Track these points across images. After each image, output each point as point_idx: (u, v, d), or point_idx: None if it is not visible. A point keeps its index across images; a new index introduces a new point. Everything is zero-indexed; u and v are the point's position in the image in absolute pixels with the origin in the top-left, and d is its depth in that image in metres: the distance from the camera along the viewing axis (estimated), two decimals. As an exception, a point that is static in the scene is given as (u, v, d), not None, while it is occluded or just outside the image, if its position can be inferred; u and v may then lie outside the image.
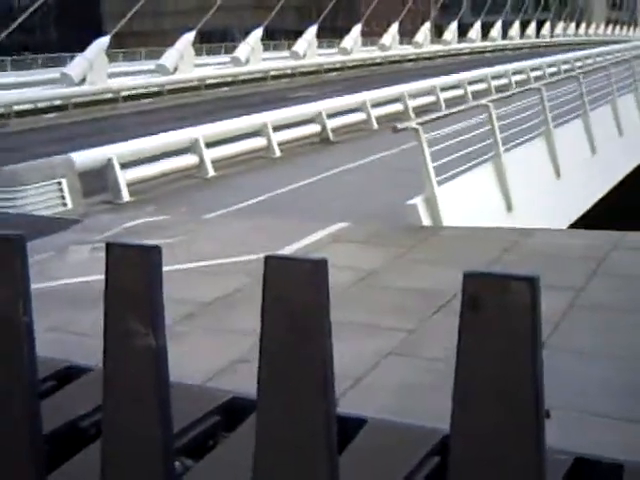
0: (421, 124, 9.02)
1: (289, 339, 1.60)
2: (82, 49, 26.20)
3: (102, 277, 5.82)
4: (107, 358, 1.89)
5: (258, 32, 34.75)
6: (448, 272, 6.43)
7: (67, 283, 6.65)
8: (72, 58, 37.73)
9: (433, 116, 10.23)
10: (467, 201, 9.66)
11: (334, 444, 1.63)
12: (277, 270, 1.60)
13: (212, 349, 5.00)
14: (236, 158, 14.36)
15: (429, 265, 7.01)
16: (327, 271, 1.54)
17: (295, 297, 1.57)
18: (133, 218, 9.49)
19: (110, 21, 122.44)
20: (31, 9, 24.70)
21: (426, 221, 8.58)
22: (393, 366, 4.66)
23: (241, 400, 3.04)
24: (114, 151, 11.77)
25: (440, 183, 8.89)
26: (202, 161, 13.25)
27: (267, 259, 1.61)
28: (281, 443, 1.68)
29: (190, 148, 13.33)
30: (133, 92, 26.61)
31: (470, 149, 10.11)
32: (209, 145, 13.55)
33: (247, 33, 36.90)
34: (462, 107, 11.49)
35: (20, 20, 24.34)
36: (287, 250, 7.33)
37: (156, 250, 1.77)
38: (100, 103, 24.67)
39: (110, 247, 1.85)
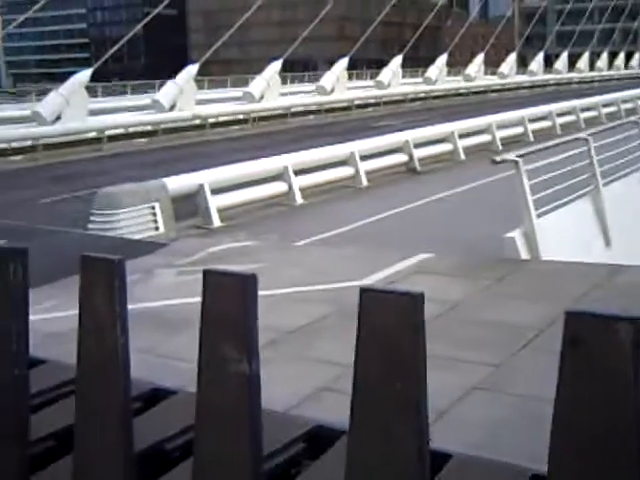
0: (521, 156, 8.88)
1: (384, 371, 1.59)
2: (169, 76, 26.83)
3: (186, 300, 5.92)
4: (201, 382, 1.92)
5: (343, 62, 34.99)
6: (535, 306, 6.31)
7: (152, 306, 6.75)
8: (161, 85, 38.77)
9: (532, 149, 10.01)
10: (564, 235, 9.43)
11: (426, 479, 1.61)
12: (373, 302, 1.60)
13: (296, 377, 5.01)
14: (323, 187, 14.43)
15: (515, 299, 6.88)
16: (423, 305, 1.54)
17: (391, 330, 1.56)
18: (219, 243, 9.61)
19: (196, 50, 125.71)
20: (123, 40, 25.43)
21: (524, 254, 8.42)
22: (478, 401, 4.58)
23: (325, 429, 3.04)
24: (206, 177, 11.99)
25: (538, 216, 8.74)
26: (291, 189, 13.37)
27: (362, 291, 1.62)
28: (371, 475, 1.67)
29: (279, 176, 13.46)
30: (220, 119, 27.05)
31: (567, 182, 9.90)
32: (297, 173, 13.68)
33: (329, 62, 37.23)
34: (561, 140, 11.23)
35: (113, 50, 25.08)
36: (370, 280, 7.31)
37: (252, 278, 1.80)
38: (188, 129, 25.16)
39: (207, 273, 1.88)
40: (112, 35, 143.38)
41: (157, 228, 10.79)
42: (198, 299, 6.53)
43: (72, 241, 9.34)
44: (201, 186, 11.70)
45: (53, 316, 6.18)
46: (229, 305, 1.82)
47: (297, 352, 5.59)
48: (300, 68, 31.04)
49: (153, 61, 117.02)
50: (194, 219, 11.85)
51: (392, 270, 7.82)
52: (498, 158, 9.04)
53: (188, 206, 11.82)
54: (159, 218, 10.85)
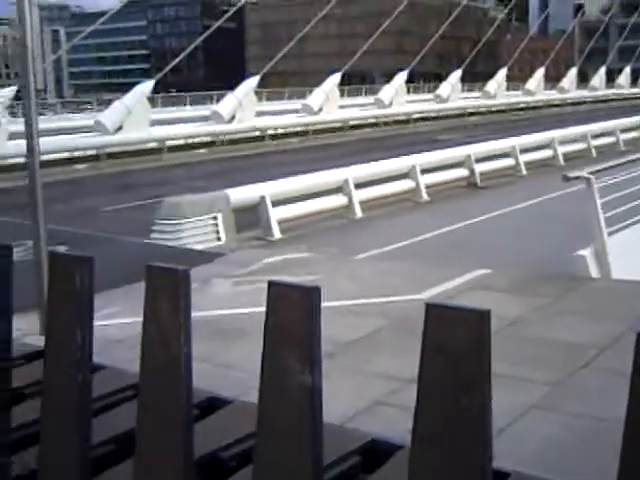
0: (593, 173, 8.73)
1: (448, 387, 1.59)
2: (226, 88, 27.04)
3: (242, 310, 5.96)
4: (263, 393, 1.93)
5: (402, 75, 34.94)
6: (597, 325, 6.19)
7: (209, 315, 6.81)
8: (219, 97, 39.18)
9: (604, 165, 9.80)
10: (636, 254, 9.22)
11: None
12: (438, 318, 1.60)
13: (352, 390, 5.00)
14: (383, 200, 14.39)
15: (577, 316, 6.76)
16: (490, 321, 1.53)
17: (456, 346, 1.56)
18: (276, 254, 9.66)
19: (253, 62, 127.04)
20: (186, 52, 25.77)
21: (594, 273, 8.27)
22: (536, 420, 4.52)
23: (381, 442, 3.04)
24: (267, 189, 12.06)
25: (610, 234, 8.58)
26: (351, 202, 13.37)
27: (428, 307, 1.61)
28: (432, 491, 1.66)
29: (339, 188, 13.47)
30: (279, 131, 27.22)
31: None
32: (358, 186, 13.65)
33: (386, 75, 37.22)
34: (635, 156, 10.96)
35: (176, 61, 25.42)
36: (426, 295, 7.27)
37: (316, 290, 1.81)
38: (247, 141, 25.35)
39: (272, 285, 1.89)
40: (171, 47, 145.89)
41: (219, 239, 10.87)
42: (254, 309, 6.57)
43: (130, 249, 9.47)
44: (262, 198, 11.76)
45: (112, 323, 6.28)
46: (293, 317, 1.83)
47: (352, 365, 5.58)
48: (357, 81, 31.07)
49: (211, 73, 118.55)
50: (254, 231, 11.91)
51: (448, 285, 7.77)
52: (570, 174, 8.87)
53: (248, 217, 11.90)
54: (221, 229, 10.93)
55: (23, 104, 6.12)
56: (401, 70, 36.34)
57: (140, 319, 6.34)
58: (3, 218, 11.88)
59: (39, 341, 5.30)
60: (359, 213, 13.41)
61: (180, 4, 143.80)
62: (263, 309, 6.31)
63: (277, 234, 11.73)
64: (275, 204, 11.98)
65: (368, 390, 4.86)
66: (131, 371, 4.50)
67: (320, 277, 8.21)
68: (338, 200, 13.50)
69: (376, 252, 10.35)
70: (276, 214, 11.92)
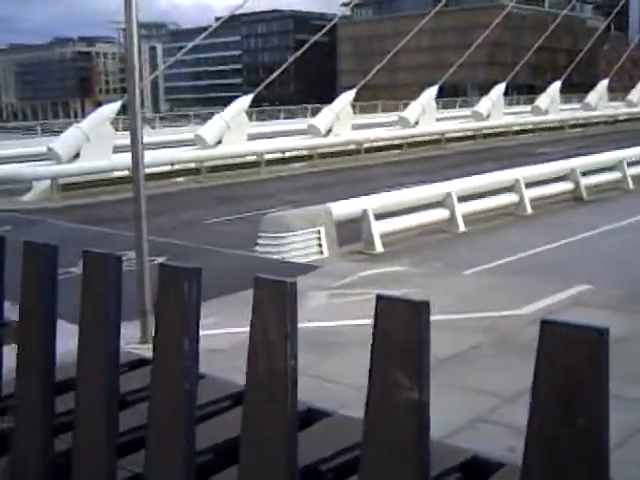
0: None
1: (563, 407, 1.55)
2: (317, 102, 27.15)
3: (338, 323, 5.98)
4: (369, 407, 1.93)
5: (500, 87, 34.49)
6: None
7: (304, 327, 6.81)
8: (314, 110, 39.44)
9: None
10: None
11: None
12: (554, 335, 1.56)
13: (451, 405, 4.94)
14: (486, 214, 14.15)
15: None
16: (608, 340, 1.49)
17: (573, 364, 1.52)
18: (371, 268, 9.64)
19: (344, 75, 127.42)
20: (284, 65, 26.01)
21: None
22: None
23: (482, 460, 2.99)
24: (370, 203, 12.03)
25: None
26: (453, 216, 13.21)
27: (543, 323, 1.58)
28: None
29: (441, 202, 13.33)
30: (375, 144, 27.20)
31: None
32: (459, 199, 13.47)
33: (479, 87, 36.75)
34: None
35: (275, 75, 25.67)
36: (525, 310, 7.16)
37: (425, 305, 1.79)
38: (344, 154, 25.41)
39: (379, 299, 1.89)
40: (264, 61, 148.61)
41: (321, 252, 10.88)
42: (349, 322, 6.61)
43: (225, 261, 9.61)
44: (365, 212, 11.72)
45: (212, 333, 6.38)
46: (401, 331, 1.82)
47: (451, 380, 5.52)
48: (449, 93, 30.76)
49: (302, 87, 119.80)
50: (356, 244, 11.87)
51: (549, 301, 7.62)
52: None
53: (347, 231, 11.86)
54: (324, 242, 10.94)
55: (128, 119, 6.31)
56: (496, 82, 35.90)
57: (235, 330, 6.43)
58: (103, 229, 12.26)
59: (140, 349, 5.46)
60: (462, 227, 13.22)
61: (273, 19, 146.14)
62: (358, 322, 6.30)
63: (379, 248, 11.66)
64: (377, 217, 11.90)
65: (468, 406, 4.80)
66: (229, 380, 4.58)
67: (416, 291, 8.15)
68: (440, 214, 13.33)
69: (481, 268, 10.13)
70: (378, 228, 11.84)
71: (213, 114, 24.80)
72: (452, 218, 13.30)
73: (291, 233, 10.73)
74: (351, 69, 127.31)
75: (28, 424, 3.39)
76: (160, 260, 7.87)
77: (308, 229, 10.96)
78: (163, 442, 2.69)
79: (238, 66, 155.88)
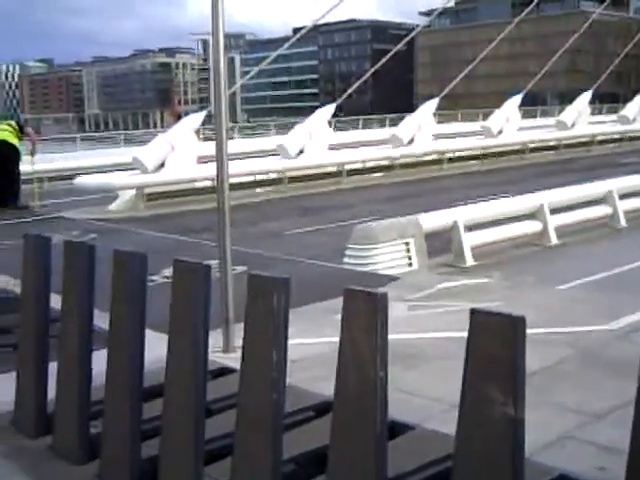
0: None
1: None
2: (393, 111, 26.84)
3: (418, 335, 5.87)
4: (462, 422, 1.90)
5: (586, 96, 33.67)
6: None
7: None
8: (392, 120, 39.25)
9: None
10: None
11: None
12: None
13: (538, 422, 4.82)
14: (578, 226, 13.75)
15: None
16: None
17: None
18: (451, 280, 9.49)
19: (421, 84, 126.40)
20: (366, 75, 26.01)
21: None
22: None
23: (569, 478, 2.92)
24: (460, 214, 11.83)
25: None
26: (545, 228, 12.92)
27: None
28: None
29: (532, 214, 13.05)
30: (456, 154, 26.91)
31: None
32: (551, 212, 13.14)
33: (559, 96, 36.02)
34: None
35: (357, 84, 25.61)
36: (611, 326, 6.95)
37: (522, 320, 1.76)
38: (426, 164, 25.19)
39: (474, 313, 1.86)
40: (341, 71, 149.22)
41: (410, 264, 10.71)
42: (429, 335, 6.49)
43: (306, 271, 9.60)
44: (455, 223, 11.53)
45: (292, 343, 6.38)
46: (496, 346, 1.78)
47: (537, 396, 5.38)
48: (528, 102, 30.46)
49: (378, 96, 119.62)
50: (445, 256, 11.65)
51: (636, 317, 7.37)
52: None
53: (436, 242, 11.61)
54: (413, 255, 10.77)
55: (210, 129, 6.41)
56: (577, 91, 35.15)
57: (312, 340, 6.39)
58: (185, 238, 12.40)
59: (222, 358, 5.51)
60: (554, 240, 12.88)
61: (351, 29, 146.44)
62: (439, 334, 6.21)
63: (470, 260, 11.41)
64: (467, 229, 11.67)
65: (554, 423, 4.67)
66: (310, 391, 4.58)
67: (497, 304, 7.99)
68: (532, 226, 13.02)
69: (576, 283, 9.80)
70: (469, 240, 11.62)
71: (294, 124, 24.85)
72: (544, 231, 12.97)
73: (380, 245, 10.59)
74: (428, 78, 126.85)
75: (116, 430, 3.45)
76: (240, 269, 7.94)
77: (397, 241, 10.81)
78: (250, 451, 2.70)
79: (315, 76, 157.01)
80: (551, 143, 31.41)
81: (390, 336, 7.08)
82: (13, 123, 15.89)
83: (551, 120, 36.98)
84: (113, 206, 17.56)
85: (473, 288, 9.01)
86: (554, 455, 4.11)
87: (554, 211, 13.22)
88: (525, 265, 11.34)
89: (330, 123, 25.09)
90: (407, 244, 10.80)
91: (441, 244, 11.62)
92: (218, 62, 5.94)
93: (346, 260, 10.43)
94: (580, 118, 32.40)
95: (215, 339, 5.59)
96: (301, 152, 21.26)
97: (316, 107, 24.71)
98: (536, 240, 12.92)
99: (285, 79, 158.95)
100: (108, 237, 12.26)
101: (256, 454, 2.68)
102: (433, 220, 11.55)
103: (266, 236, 13.65)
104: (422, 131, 24.98)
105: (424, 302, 8.12)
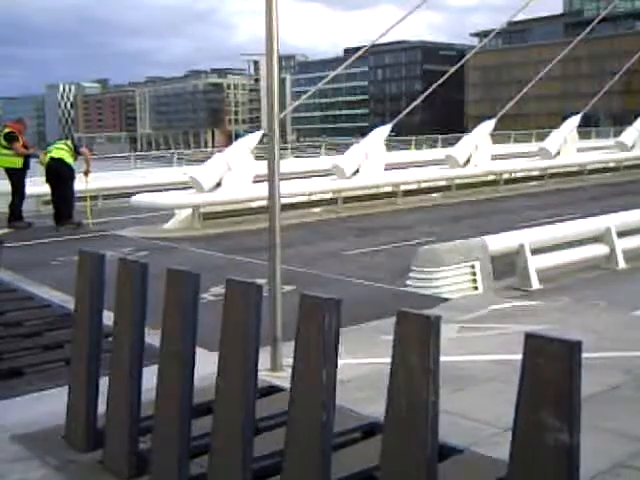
0: None
1: None
2: (445, 131, 26.46)
3: (467, 358, 5.79)
4: (515, 447, 1.87)
5: (647, 116, 33.03)
6: None
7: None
8: (447, 140, 39.02)
9: None
10: None
11: None
12: None
13: (590, 449, 4.72)
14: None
15: None
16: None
17: None
18: (502, 301, 9.37)
19: (472, 105, 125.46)
20: (422, 96, 25.74)
21: None
22: None
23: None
24: (526, 237, 11.65)
25: None
26: (612, 251, 12.70)
27: None
28: None
29: (598, 237, 12.85)
30: (513, 175, 26.66)
31: None
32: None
33: (614, 117, 35.43)
34: None
35: (413, 105, 25.38)
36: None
37: (577, 345, 1.73)
38: (482, 185, 24.97)
39: (529, 337, 1.84)
40: (391, 92, 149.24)
41: (476, 288, 10.53)
42: (479, 357, 6.40)
43: (355, 291, 9.54)
44: (521, 246, 11.37)
45: (339, 363, 6.34)
46: (552, 370, 1.76)
47: (590, 422, 5.26)
48: (581, 123, 30.15)
49: (429, 116, 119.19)
50: (510, 279, 11.48)
51: None
52: None
53: (498, 265, 11.41)
54: (479, 277, 10.60)
55: (267, 148, 6.44)
56: (632, 112, 34.60)
57: (357, 361, 6.36)
58: (237, 257, 12.43)
59: (270, 377, 5.52)
60: (622, 263, 12.64)
61: (401, 50, 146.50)
62: (488, 357, 6.12)
63: (535, 284, 11.23)
64: (533, 252, 11.49)
65: (608, 450, 4.58)
66: (357, 412, 4.57)
67: (549, 327, 7.86)
68: (599, 249, 12.79)
69: None
70: (535, 263, 11.44)
71: (344, 144, 24.77)
72: (612, 254, 12.73)
73: (445, 267, 10.42)
74: (479, 99, 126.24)
75: (165, 445, 3.48)
76: (288, 288, 7.93)
77: (462, 263, 10.63)
78: (299, 471, 2.70)
79: (365, 97, 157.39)
80: (611, 164, 31.00)
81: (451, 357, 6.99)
82: (69, 143, 16.22)
83: (610, 141, 36.42)
84: (169, 225, 17.69)
85: (524, 310, 8.87)
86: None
87: (621, 234, 12.96)
88: (595, 289, 11.03)
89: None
90: (472, 267, 10.62)
91: (501, 267, 11.44)
92: (272, 82, 5.98)
93: (409, 282, 10.27)
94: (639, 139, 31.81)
95: (264, 357, 5.60)
96: (356, 172, 21.20)
97: (366, 127, 24.79)
98: (603, 264, 12.66)
99: (336, 99, 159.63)
100: (159, 255, 12.37)
101: (305, 474, 2.68)
102: (499, 242, 11.34)
103: (323, 257, 13.58)
104: (479, 152, 24.73)
105: (473, 324, 8.02)
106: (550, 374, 1.77)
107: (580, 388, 1.75)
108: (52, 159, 15.61)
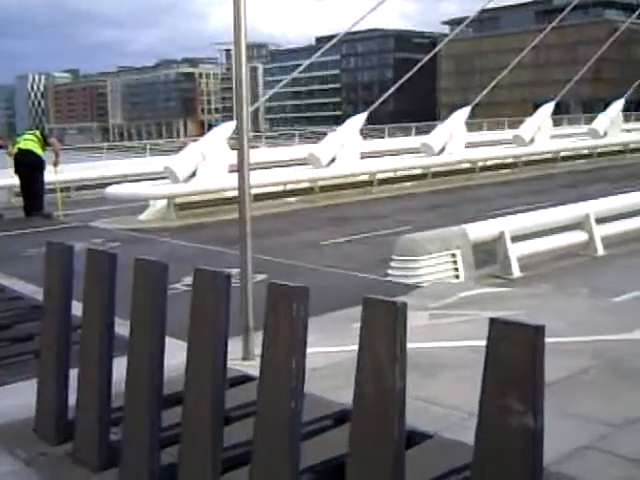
0: None
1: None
2: (417, 120, 26.45)
3: (437, 345, 5.81)
4: (480, 431, 1.88)
5: (618, 104, 33.27)
6: None
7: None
8: (420, 128, 39.09)
9: None
10: None
11: None
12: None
13: (558, 432, 4.77)
14: (625, 237, 13.54)
15: None
16: None
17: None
18: (472, 288, 9.40)
19: (444, 94, 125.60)
20: (397, 84, 25.56)
21: None
22: None
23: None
24: (506, 224, 11.67)
25: None
26: (591, 238, 12.78)
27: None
28: None
29: (577, 224, 12.91)
30: (488, 163, 26.76)
31: None
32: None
33: (583, 104, 35.67)
34: None
35: (388, 93, 25.24)
36: (636, 335, 6.85)
37: (540, 329, 1.74)
38: (457, 173, 25.05)
39: (493, 322, 1.85)
40: (363, 80, 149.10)
41: (457, 276, 10.51)
42: (449, 344, 6.43)
43: (326, 279, 9.52)
44: (502, 233, 11.37)
45: (311, 351, 6.34)
46: (515, 355, 1.77)
47: (557, 406, 5.32)
48: (553, 110, 30.32)
49: (401, 105, 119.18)
50: (490, 267, 11.48)
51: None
52: None
53: (479, 254, 11.40)
54: (460, 266, 10.58)
55: (237, 138, 6.41)
56: (602, 99, 34.93)
57: (328, 349, 6.36)
58: (210, 247, 12.36)
59: (241, 366, 5.51)
60: (601, 250, 12.72)
61: (373, 38, 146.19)
62: (458, 344, 6.14)
63: (516, 272, 11.26)
64: (513, 240, 11.51)
65: (574, 433, 4.62)
66: (327, 399, 4.57)
67: (518, 313, 7.90)
68: (576, 236, 12.86)
69: (635, 294, 9.65)
70: (515, 251, 11.45)
71: (316, 133, 24.73)
72: (591, 241, 12.81)
73: (424, 256, 10.37)
74: (451, 87, 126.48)
75: (136, 437, 3.46)
76: (260, 277, 7.89)
77: (443, 251, 10.60)
78: (269, 459, 2.70)
79: (337, 85, 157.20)
80: (583, 151, 31.23)
81: (408, 345, 7.02)
82: (38, 133, 16.04)
83: (582, 128, 36.69)
84: (143, 216, 17.58)
85: (493, 296, 8.89)
86: (575, 465, 4.05)
87: (599, 221, 13.03)
88: (576, 276, 11.09)
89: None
90: (454, 255, 10.61)
91: (484, 256, 11.44)
92: (240, 72, 5.95)
93: (390, 272, 10.23)
94: (613, 126, 32.10)
95: (235, 346, 5.59)
96: (332, 161, 21.14)
97: (338, 116, 24.79)
98: (581, 251, 12.74)
99: (307, 88, 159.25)
100: (132, 246, 12.29)
101: (274, 463, 2.68)
102: (480, 230, 11.34)
103: (300, 247, 13.53)
104: (454, 140, 24.78)
105: (443, 311, 8.03)
106: (514, 359, 1.78)
107: (544, 372, 1.76)
108: (20, 150, 15.46)
